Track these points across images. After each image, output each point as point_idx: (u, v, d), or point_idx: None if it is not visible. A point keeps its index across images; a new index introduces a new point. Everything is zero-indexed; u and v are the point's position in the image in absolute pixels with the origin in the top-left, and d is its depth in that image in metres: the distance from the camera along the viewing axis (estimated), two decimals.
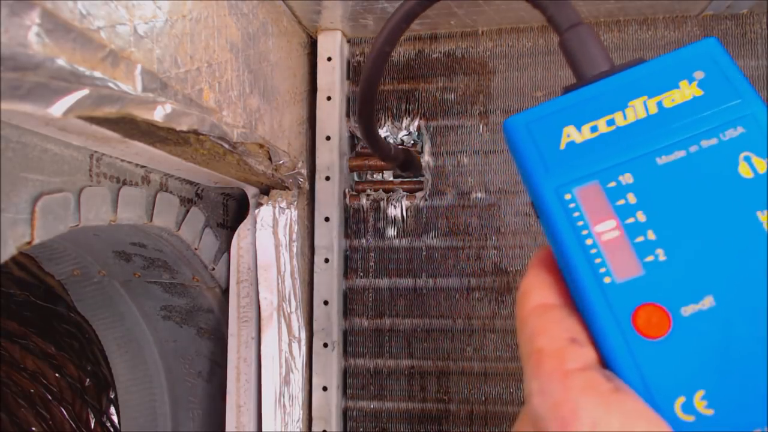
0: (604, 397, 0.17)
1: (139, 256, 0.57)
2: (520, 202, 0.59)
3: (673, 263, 0.19)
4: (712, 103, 0.20)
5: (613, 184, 0.20)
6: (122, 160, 0.43)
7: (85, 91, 0.25)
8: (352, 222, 0.62)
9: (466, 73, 0.61)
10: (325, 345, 0.60)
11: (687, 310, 0.18)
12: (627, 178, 0.20)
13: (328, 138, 0.61)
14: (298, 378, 0.56)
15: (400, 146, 0.59)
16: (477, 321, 0.59)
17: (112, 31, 0.27)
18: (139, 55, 0.30)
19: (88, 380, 0.75)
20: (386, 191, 0.62)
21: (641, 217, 0.20)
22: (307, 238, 0.61)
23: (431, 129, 0.61)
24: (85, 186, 0.38)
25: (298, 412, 0.56)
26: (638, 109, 0.21)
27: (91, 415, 0.76)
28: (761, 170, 0.19)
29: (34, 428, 0.77)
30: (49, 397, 0.77)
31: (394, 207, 0.61)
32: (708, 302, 0.18)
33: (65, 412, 0.77)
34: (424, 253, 0.60)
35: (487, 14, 0.56)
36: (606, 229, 0.20)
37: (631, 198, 0.20)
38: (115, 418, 0.74)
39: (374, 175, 0.64)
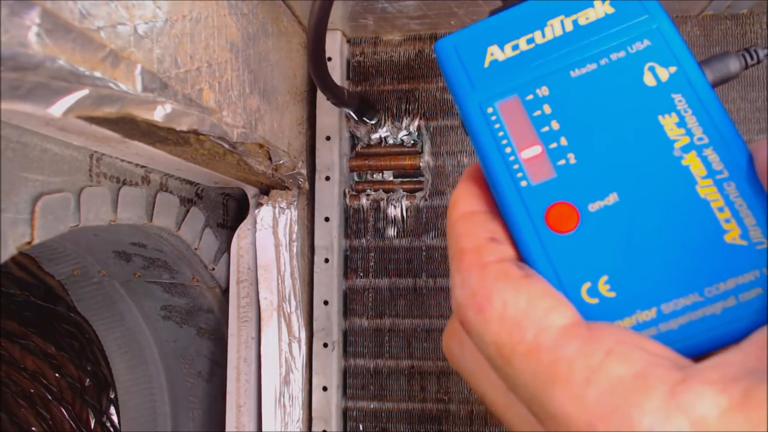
0: (515, 282, 0.18)
1: (139, 256, 0.57)
2: None
3: (582, 165, 0.21)
4: (622, 19, 0.22)
5: (530, 96, 0.22)
6: (122, 160, 0.43)
7: (85, 91, 0.25)
8: (352, 222, 0.62)
9: None
10: (325, 345, 0.60)
11: (593, 207, 0.20)
12: (543, 91, 0.22)
13: (328, 138, 0.61)
14: (298, 378, 0.56)
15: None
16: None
17: (112, 31, 0.27)
18: (139, 55, 0.30)
19: (88, 380, 0.75)
20: (386, 191, 0.62)
21: (555, 125, 0.21)
22: (307, 238, 0.61)
23: (431, 129, 0.61)
24: (85, 186, 0.38)
25: (298, 412, 0.56)
26: (556, 27, 0.23)
27: (91, 415, 0.76)
28: (663, 78, 0.21)
29: (34, 428, 0.77)
30: (49, 397, 0.77)
31: (394, 207, 0.61)
32: (612, 198, 0.20)
33: (65, 412, 0.77)
34: (424, 253, 0.60)
35: (487, 14, 0.56)
36: (523, 138, 0.21)
37: (547, 109, 0.22)
38: (115, 418, 0.74)
39: (374, 175, 0.64)
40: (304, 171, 0.57)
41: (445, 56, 0.24)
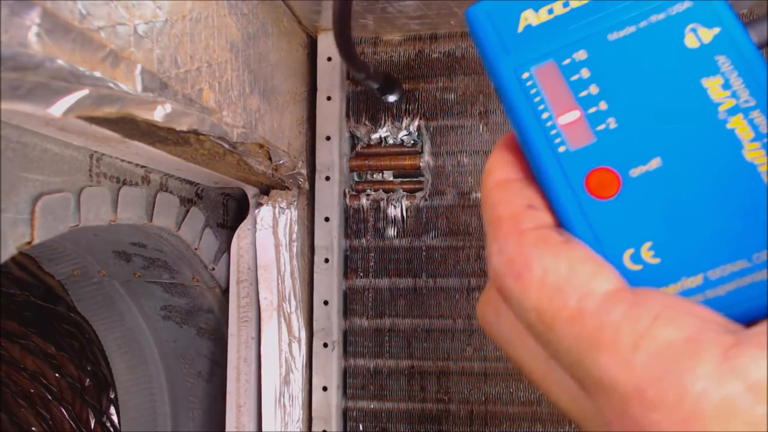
0: (555, 248, 0.18)
1: (139, 256, 0.57)
2: None
3: (623, 130, 0.20)
4: None
5: (567, 61, 0.21)
6: (122, 160, 0.43)
7: (85, 91, 0.25)
8: (352, 222, 0.62)
9: (466, 73, 0.61)
10: (325, 345, 0.60)
11: (635, 172, 0.20)
12: (581, 55, 0.21)
13: (328, 138, 0.61)
14: (298, 378, 0.56)
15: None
16: (477, 321, 0.59)
17: (112, 31, 0.27)
18: (139, 55, 0.30)
19: (88, 380, 0.75)
20: (386, 191, 0.62)
21: (594, 89, 0.21)
22: (307, 238, 0.61)
23: (431, 129, 0.61)
24: (85, 186, 0.38)
25: (298, 412, 0.56)
26: None
27: (91, 415, 0.76)
28: (706, 40, 0.20)
29: (34, 428, 0.77)
30: (49, 397, 0.77)
31: (394, 207, 0.61)
32: (655, 163, 0.20)
33: (65, 412, 0.77)
34: (424, 253, 0.60)
35: None
36: (561, 103, 0.21)
37: (585, 73, 0.21)
38: (115, 418, 0.74)
39: (374, 175, 0.64)
40: (304, 171, 0.57)
41: (477, 22, 0.23)
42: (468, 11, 0.23)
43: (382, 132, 0.62)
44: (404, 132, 0.61)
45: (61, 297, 0.67)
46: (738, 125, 0.19)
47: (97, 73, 0.25)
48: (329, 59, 0.61)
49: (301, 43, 0.60)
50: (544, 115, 0.21)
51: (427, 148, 0.61)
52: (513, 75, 0.22)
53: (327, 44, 0.61)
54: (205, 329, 0.65)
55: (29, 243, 0.33)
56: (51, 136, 0.36)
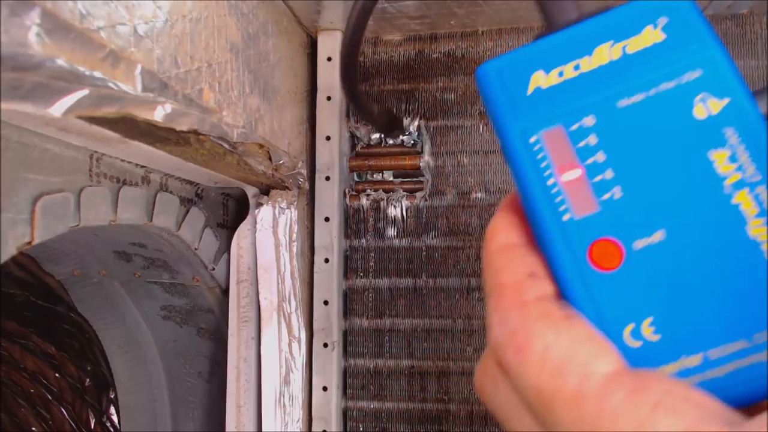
0: (556, 323, 0.18)
1: (139, 256, 0.57)
2: None
3: (628, 200, 0.20)
4: (673, 47, 0.21)
5: (575, 126, 0.21)
6: (122, 160, 0.43)
7: (85, 91, 0.25)
8: (352, 222, 0.62)
9: (466, 73, 0.61)
10: (325, 345, 0.60)
11: (639, 244, 0.19)
12: (589, 121, 0.21)
13: (328, 138, 0.61)
14: (298, 378, 0.56)
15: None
16: (477, 321, 0.59)
17: (112, 31, 0.27)
18: (139, 55, 0.30)
19: (88, 380, 0.75)
20: (386, 191, 0.62)
21: (601, 157, 0.20)
22: (307, 238, 0.61)
23: (431, 129, 0.61)
24: (85, 186, 0.38)
25: (298, 412, 0.56)
26: (603, 53, 0.22)
27: (91, 415, 0.76)
28: (715, 111, 0.20)
29: (34, 428, 0.77)
30: (49, 397, 0.77)
31: (394, 207, 0.61)
32: (659, 236, 0.19)
33: (65, 412, 0.77)
34: (424, 253, 0.60)
35: (487, 14, 0.56)
36: (567, 170, 0.20)
37: (593, 139, 0.21)
38: (115, 418, 0.74)
39: (374, 175, 0.64)
40: (304, 171, 0.57)
41: (486, 82, 0.23)
42: (478, 70, 0.23)
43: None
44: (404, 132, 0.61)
45: (61, 297, 0.67)
46: (743, 200, 0.19)
47: (97, 73, 0.25)
48: (329, 59, 0.61)
49: (301, 43, 0.60)
50: (550, 181, 0.20)
51: (427, 148, 0.61)
52: (520, 138, 0.21)
53: (327, 44, 0.61)
54: (205, 329, 0.65)
55: (29, 243, 0.33)
56: (51, 136, 0.36)
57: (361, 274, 0.62)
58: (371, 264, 0.62)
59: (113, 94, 0.27)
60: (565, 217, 0.20)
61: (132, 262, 0.58)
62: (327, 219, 0.61)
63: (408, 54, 0.62)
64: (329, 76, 0.61)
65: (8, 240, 0.31)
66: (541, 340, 0.17)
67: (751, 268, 0.18)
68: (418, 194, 0.61)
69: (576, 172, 0.20)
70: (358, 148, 0.63)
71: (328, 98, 0.61)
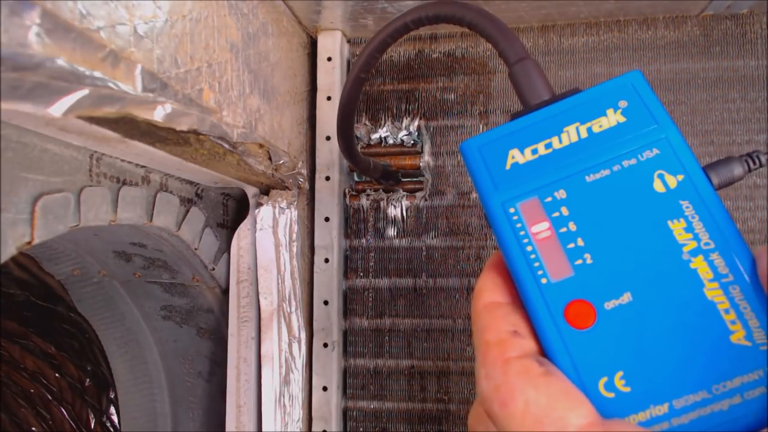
0: (536, 380, 0.20)
1: (139, 256, 0.57)
2: None
3: (598, 265, 0.22)
4: (633, 129, 0.24)
5: (549, 198, 0.23)
6: (122, 160, 0.43)
7: (85, 91, 0.25)
8: (352, 222, 0.62)
9: (466, 73, 0.61)
10: (325, 345, 0.60)
11: (609, 305, 0.21)
12: (561, 194, 0.23)
13: (328, 138, 0.61)
14: (298, 378, 0.56)
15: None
16: None
17: (112, 31, 0.27)
18: (139, 55, 0.30)
19: (88, 380, 0.75)
20: (386, 191, 0.62)
21: (572, 226, 0.23)
22: (307, 238, 0.61)
23: (431, 129, 0.61)
24: (85, 186, 0.38)
25: (298, 412, 0.56)
26: (572, 134, 0.24)
27: (91, 415, 0.76)
28: (672, 185, 0.22)
29: (34, 428, 0.77)
30: (49, 397, 0.77)
31: (394, 207, 0.61)
32: (626, 297, 0.21)
33: (65, 412, 0.77)
34: (424, 253, 0.60)
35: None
36: (543, 238, 0.23)
37: (565, 210, 0.23)
38: (115, 418, 0.74)
39: None
40: (304, 171, 0.57)
41: (470, 157, 0.25)
42: (462, 145, 0.26)
43: (382, 132, 0.62)
44: (404, 132, 0.61)
45: (61, 297, 0.67)
46: (699, 265, 0.21)
47: (97, 73, 0.25)
48: (329, 59, 0.61)
49: (301, 43, 0.60)
50: (528, 248, 0.23)
51: (427, 148, 0.61)
52: (501, 209, 0.24)
53: (327, 44, 0.61)
54: (205, 329, 0.65)
55: (29, 243, 0.33)
56: (51, 136, 0.36)
57: (361, 274, 0.62)
58: (371, 264, 0.61)
59: (113, 94, 0.27)
60: (543, 281, 0.22)
61: (132, 262, 0.58)
62: (327, 219, 0.61)
63: (408, 54, 0.62)
64: (329, 76, 0.61)
65: (8, 240, 0.31)
66: (522, 396, 0.19)
67: (708, 327, 0.20)
68: (418, 194, 0.61)
69: (552, 241, 0.23)
70: (358, 148, 0.63)
71: (328, 98, 0.61)
